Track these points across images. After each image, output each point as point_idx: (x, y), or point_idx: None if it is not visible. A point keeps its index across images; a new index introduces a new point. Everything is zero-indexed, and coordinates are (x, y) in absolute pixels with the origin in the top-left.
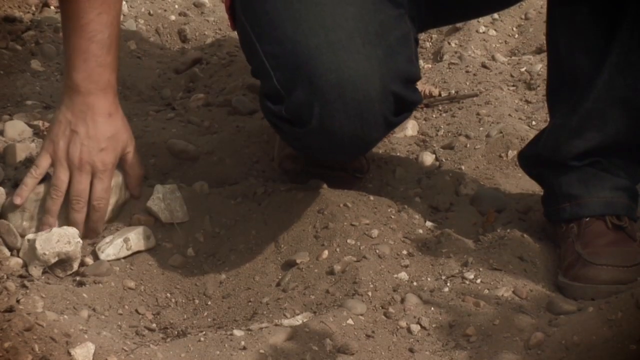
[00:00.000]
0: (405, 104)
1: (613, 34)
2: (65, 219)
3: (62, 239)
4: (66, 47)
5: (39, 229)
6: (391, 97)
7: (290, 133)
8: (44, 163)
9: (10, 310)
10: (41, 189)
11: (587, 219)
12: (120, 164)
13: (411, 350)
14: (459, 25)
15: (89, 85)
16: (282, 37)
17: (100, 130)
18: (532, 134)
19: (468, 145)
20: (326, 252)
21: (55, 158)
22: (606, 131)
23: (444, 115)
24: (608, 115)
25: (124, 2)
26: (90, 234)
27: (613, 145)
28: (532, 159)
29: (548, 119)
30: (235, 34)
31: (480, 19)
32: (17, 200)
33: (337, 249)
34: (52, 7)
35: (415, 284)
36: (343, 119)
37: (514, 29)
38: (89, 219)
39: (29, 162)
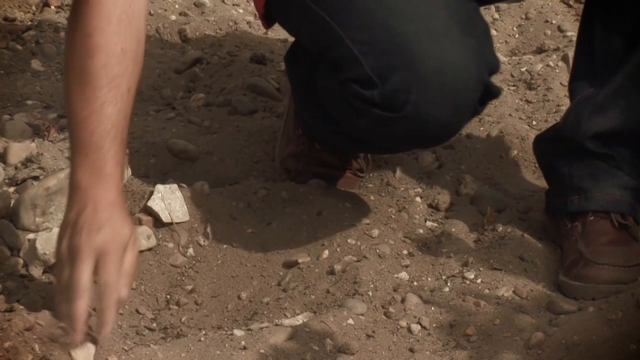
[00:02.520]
0: (487, 95)
1: None
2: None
3: None
4: (70, 141)
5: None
6: (482, 87)
7: (377, 118)
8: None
9: (10, 310)
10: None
11: (592, 218)
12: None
13: (411, 350)
14: None
15: (90, 178)
16: (372, 24)
17: (99, 215)
18: (532, 134)
19: (468, 145)
20: (326, 251)
21: (60, 259)
22: (628, 115)
23: None
24: (634, 96)
25: None
26: (101, 324)
27: (630, 136)
28: (548, 142)
29: (548, 119)
30: (234, 35)
31: None
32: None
33: (338, 249)
34: (52, 7)
35: (415, 283)
36: (439, 106)
37: (515, 28)
38: (98, 306)
39: (29, 162)
